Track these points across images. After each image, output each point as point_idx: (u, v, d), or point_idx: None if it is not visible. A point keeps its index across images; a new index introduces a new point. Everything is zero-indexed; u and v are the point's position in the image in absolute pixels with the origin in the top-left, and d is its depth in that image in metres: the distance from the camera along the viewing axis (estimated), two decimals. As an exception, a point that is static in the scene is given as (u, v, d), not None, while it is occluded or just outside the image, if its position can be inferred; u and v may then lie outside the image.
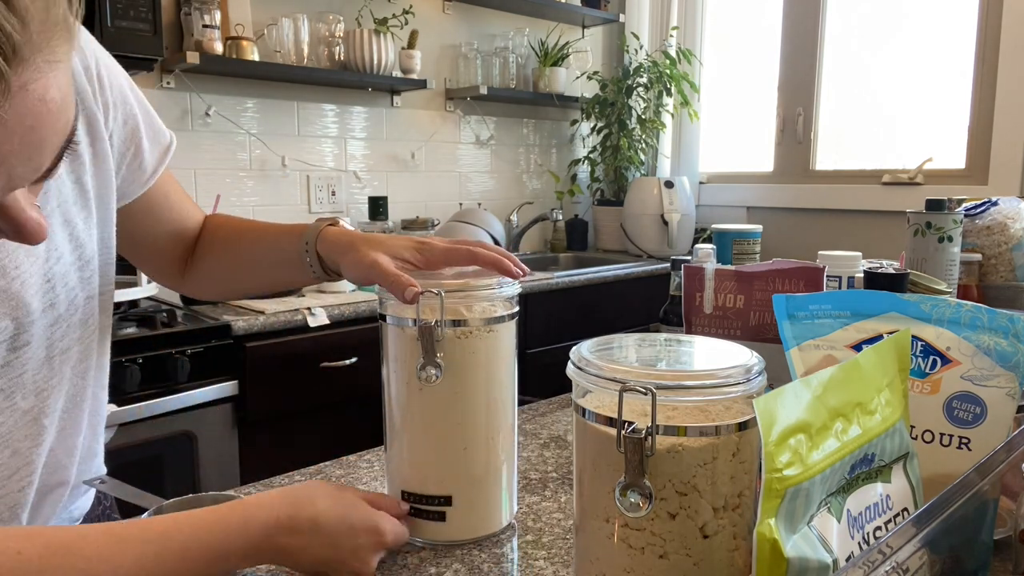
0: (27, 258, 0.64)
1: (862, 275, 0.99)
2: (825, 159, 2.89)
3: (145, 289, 1.79)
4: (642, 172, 3.19)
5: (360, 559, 0.64)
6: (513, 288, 0.73)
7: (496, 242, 2.58)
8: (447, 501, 0.72)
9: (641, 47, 3.16)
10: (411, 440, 0.73)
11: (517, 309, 0.74)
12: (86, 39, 0.71)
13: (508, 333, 0.73)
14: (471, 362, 0.71)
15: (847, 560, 0.47)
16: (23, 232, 0.50)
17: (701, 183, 3.23)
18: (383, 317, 0.73)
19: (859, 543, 0.49)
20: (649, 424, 0.49)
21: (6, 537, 0.51)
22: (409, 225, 2.67)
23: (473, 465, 0.72)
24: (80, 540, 0.53)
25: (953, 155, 2.56)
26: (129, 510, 0.80)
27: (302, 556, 0.61)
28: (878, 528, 0.51)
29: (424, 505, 0.72)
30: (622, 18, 3.21)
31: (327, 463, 0.93)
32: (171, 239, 0.88)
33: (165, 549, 0.55)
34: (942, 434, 0.65)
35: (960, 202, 1.34)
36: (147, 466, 1.69)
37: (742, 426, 0.51)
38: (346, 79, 2.47)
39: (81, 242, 0.71)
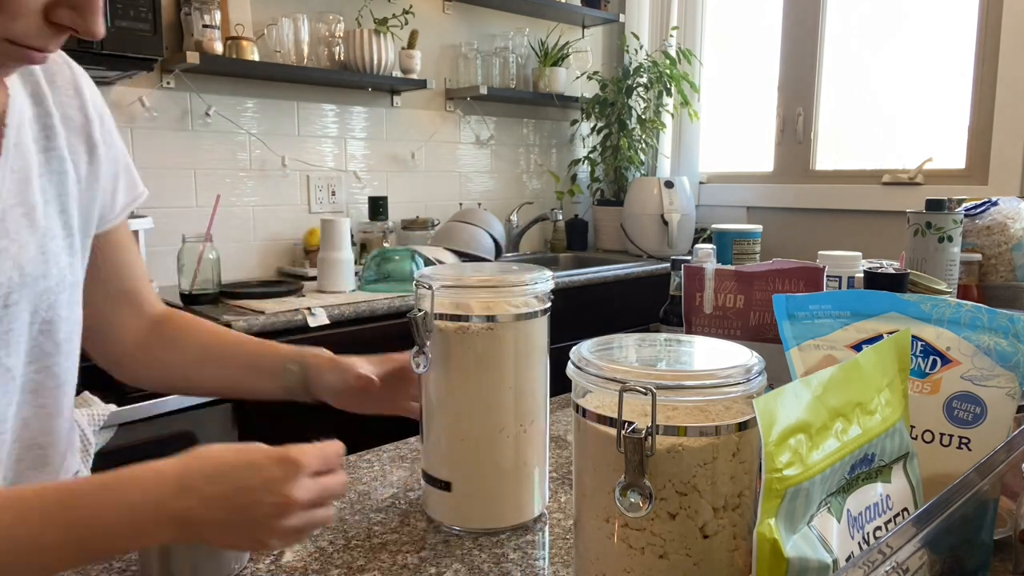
0: (27, 228, 0.68)
1: (862, 275, 0.99)
2: (825, 159, 2.89)
3: (145, 289, 1.79)
4: (642, 172, 3.19)
5: (276, 492, 0.54)
6: (545, 284, 0.75)
7: (496, 242, 2.58)
8: (447, 487, 0.74)
9: (641, 47, 3.16)
10: (438, 424, 0.76)
11: (534, 309, 0.75)
12: (89, 81, 0.79)
13: (518, 333, 0.74)
14: (465, 357, 0.72)
15: (847, 560, 0.47)
16: (92, 23, 0.57)
17: (701, 183, 3.23)
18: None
19: (859, 543, 0.49)
20: (649, 424, 0.49)
21: None
22: (409, 225, 2.67)
23: (479, 455, 0.74)
24: None
25: (953, 155, 2.56)
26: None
27: (205, 516, 0.53)
28: (878, 528, 0.51)
29: (433, 487, 0.76)
30: (622, 18, 3.21)
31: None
32: (120, 299, 0.87)
33: (27, 514, 0.50)
34: (942, 434, 0.65)
35: (960, 202, 1.34)
36: (147, 466, 1.68)
37: (742, 426, 0.51)
38: (346, 79, 2.47)
39: (72, 231, 0.75)
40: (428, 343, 0.73)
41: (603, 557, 0.53)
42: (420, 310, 0.72)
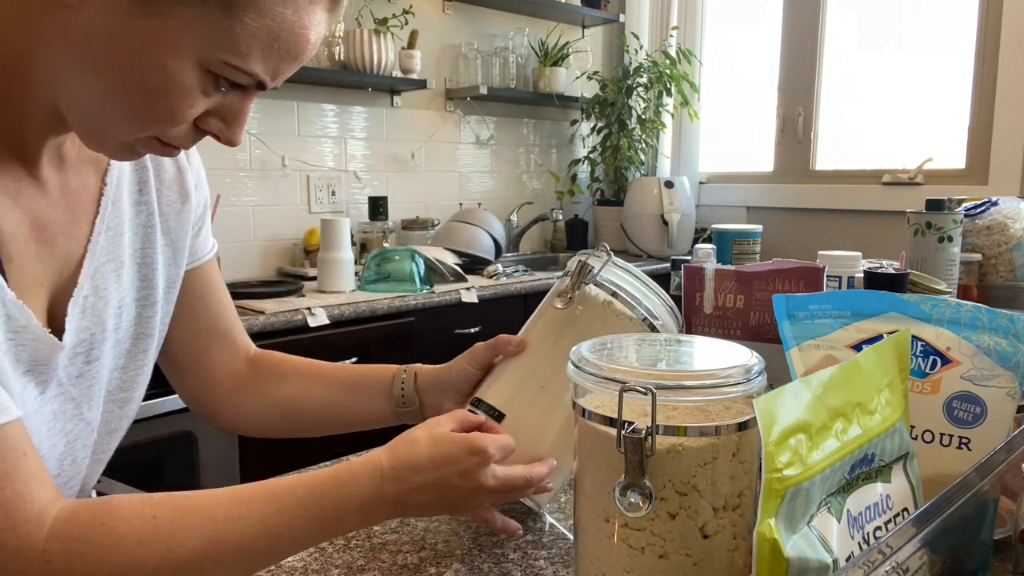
0: (114, 284, 0.70)
1: (862, 275, 0.99)
2: (825, 159, 2.89)
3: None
4: (642, 172, 3.19)
5: (472, 479, 0.65)
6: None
7: (496, 242, 2.58)
8: None
9: (641, 47, 3.16)
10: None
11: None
12: (201, 178, 0.82)
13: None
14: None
15: (847, 560, 0.47)
16: (236, 134, 0.61)
17: (701, 183, 3.23)
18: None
19: (859, 543, 0.49)
20: (649, 424, 0.49)
21: (139, 503, 0.55)
22: (409, 225, 2.67)
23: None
24: (208, 503, 0.57)
25: (953, 155, 2.56)
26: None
27: (415, 500, 0.63)
28: (878, 528, 0.51)
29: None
30: (622, 18, 3.21)
31: (327, 463, 0.93)
32: (214, 339, 0.86)
33: (284, 507, 0.59)
34: (942, 434, 0.65)
35: (960, 202, 1.34)
36: (147, 466, 1.68)
37: (742, 426, 0.51)
38: (346, 79, 2.47)
39: (151, 283, 0.74)
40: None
41: (603, 557, 0.53)
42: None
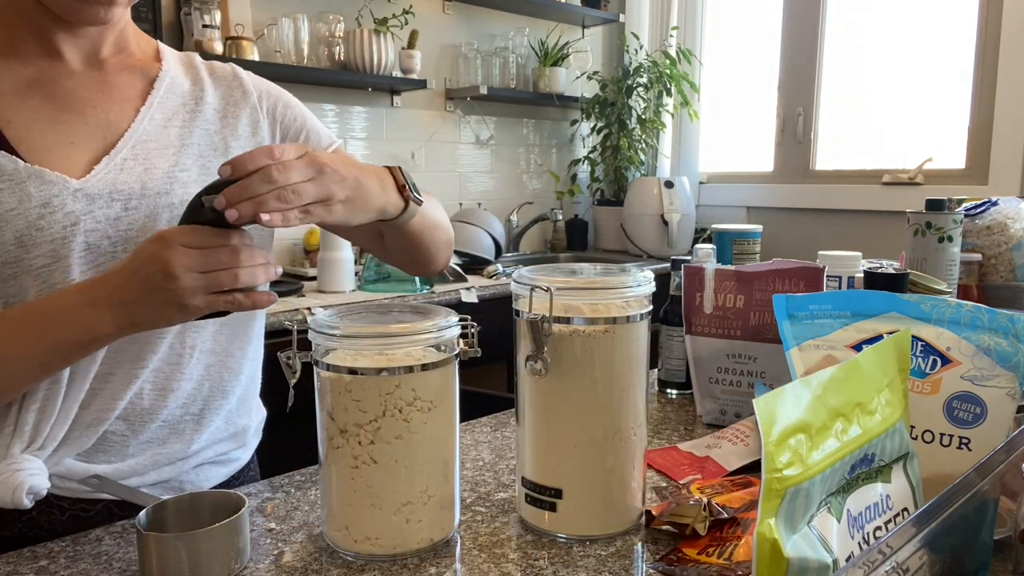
0: (158, 157, 0.84)
1: (862, 275, 0.99)
2: (825, 159, 2.89)
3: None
4: (642, 172, 3.19)
5: (155, 261, 0.68)
6: (645, 287, 0.73)
7: (496, 242, 2.58)
8: (558, 494, 0.72)
9: (641, 47, 3.16)
10: (529, 427, 0.75)
11: (646, 310, 0.74)
12: (250, 73, 0.97)
13: (629, 335, 0.73)
14: (583, 360, 0.71)
15: (847, 560, 0.47)
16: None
17: (701, 183, 3.23)
18: (517, 313, 0.75)
19: (859, 543, 0.49)
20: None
21: None
22: (409, 225, 2.67)
23: (584, 463, 0.72)
24: None
25: (953, 155, 2.56)
26: (127, 507, 0.79)
27: (123, 297, 0.69)
28: (878, 528, 0.51)
29: (537, 494, 0.73)
30: (622, 18, 3.21)
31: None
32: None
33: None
34: (942, 434, 0.65)
35: (960, 202, 1.34)
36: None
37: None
38: (346, 79, 2.47)
39: (209, 172, 0.87)
40: (547, 347, 0.71)
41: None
42: (536, 313, 0.70)
